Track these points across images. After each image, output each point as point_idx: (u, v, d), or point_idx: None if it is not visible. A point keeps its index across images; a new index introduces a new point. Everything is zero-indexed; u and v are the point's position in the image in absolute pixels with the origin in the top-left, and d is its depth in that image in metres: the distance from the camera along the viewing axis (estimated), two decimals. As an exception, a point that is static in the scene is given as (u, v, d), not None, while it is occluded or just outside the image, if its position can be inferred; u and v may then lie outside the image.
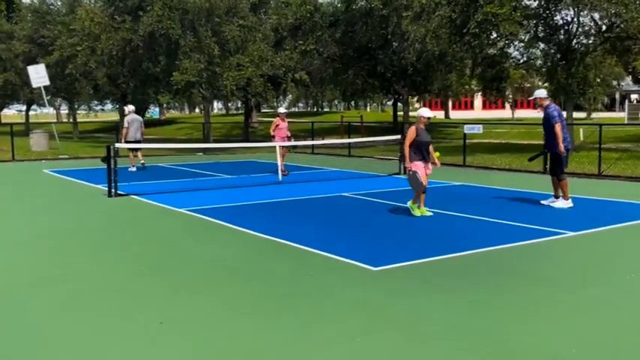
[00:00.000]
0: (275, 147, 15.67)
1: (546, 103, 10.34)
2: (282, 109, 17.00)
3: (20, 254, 7.48)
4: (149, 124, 53.60)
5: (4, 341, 4.60)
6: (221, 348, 4.45)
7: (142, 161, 17.68)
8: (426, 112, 9.66)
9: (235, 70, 26.02)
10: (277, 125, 16.21)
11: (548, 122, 10.25)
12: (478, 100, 70.75)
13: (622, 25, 20.57)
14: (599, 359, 4.21)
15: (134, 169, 17.28)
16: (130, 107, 17.94)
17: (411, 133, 9.57)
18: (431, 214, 9.58)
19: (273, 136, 16.15)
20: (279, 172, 14.70)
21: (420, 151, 9.55)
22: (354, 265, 6.60)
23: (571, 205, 10.20)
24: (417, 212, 9.54)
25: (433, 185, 13.74)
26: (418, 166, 9.49)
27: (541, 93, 10.55)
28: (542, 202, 10.56)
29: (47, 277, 6.36)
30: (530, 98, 10.89)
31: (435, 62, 29.85)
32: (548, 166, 11.13)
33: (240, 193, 12.67)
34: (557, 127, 10.05)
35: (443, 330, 4.72)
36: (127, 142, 16.77)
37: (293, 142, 17.31)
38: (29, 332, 4.77)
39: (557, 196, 10.43)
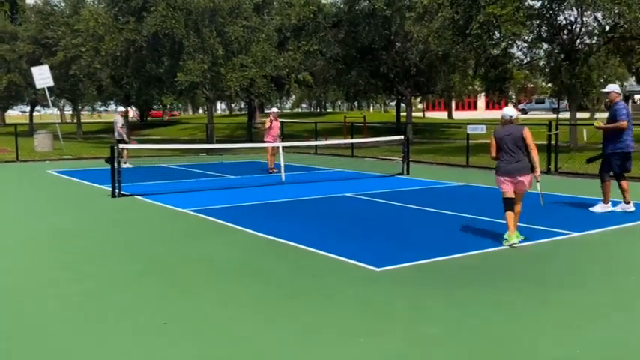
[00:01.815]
0: (277, 147, 15.86)
1: (618, 99, 9.66)
2: (274, 109, 17.36)
3: (24, 255, 7.51)
4: (153, 124, 53.77)
5: (10, 341, 4.62)
6: (224, 348, 4.47)
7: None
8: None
9: (239, 70, 26.06)
10: (269, 125, 16.57)
11: (614, 119, 9.48)
12: (481, 101, 70.62)
13: (625, 26, 20.52)
14: (601, 360, 4.23)
15: (128, 165, 17.97)
16: (120, 108, 20.54)
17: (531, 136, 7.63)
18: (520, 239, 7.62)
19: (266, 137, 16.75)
20: (282, 172, 14.73)
21: None
22: (357, 266, 6.62)
23: (610, 209, 9.69)
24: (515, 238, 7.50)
25: (436, 186, 13.75)
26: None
27: (616, 87, 9.81)
28: (615, 208, 9.77)
29: (51, 277, 6.39)
30: (604, 91, 9.94)
31: (438, 63, 29.84)
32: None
33: (243, 193, 12.69)
34: (622, 124, 9.30)
35: (446, 331, 4.73)
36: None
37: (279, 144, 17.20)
38: (34, 332, 4.79)
39: (627, 202, 9.78)
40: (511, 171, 7.48)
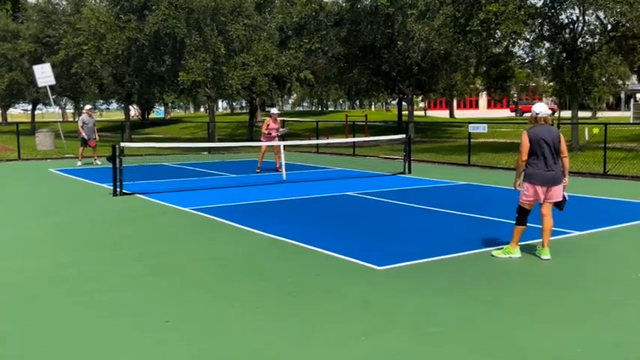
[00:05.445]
0: (276, 146, 15.86)
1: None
2: (274, 110, 17.28)
3: (26, 253, 7.51)
4: (154, 123, 53.81)
5: (14, 339, 4.63)
6: (226, 347, 4.47)
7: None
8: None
9: (240, 69, 26.06)
10: (268, 125, 16.52)
11: None
12: (483, 100, 70.62)
13: (627, 24, 20.50)
14: (603, 359, 4.22)
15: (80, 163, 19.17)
16: (87, 106, 20.88)
17: None
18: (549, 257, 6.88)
19: (267, 133, 16.68)
20: (283, 171, 14.73)
21: None
22: (359, 265, 6.61)
23: None
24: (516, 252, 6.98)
25: (438, 184, 13.75)
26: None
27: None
28: None
29: (53, 276, 6.39)
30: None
31: (439, 61, 29.81)
32: None
33: (244, 192, 12.69)
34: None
35: (448, 330, 4.73)
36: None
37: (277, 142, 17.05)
38: (37, 330, 4.80)
39: None
40: (549, 180, 6.66)
